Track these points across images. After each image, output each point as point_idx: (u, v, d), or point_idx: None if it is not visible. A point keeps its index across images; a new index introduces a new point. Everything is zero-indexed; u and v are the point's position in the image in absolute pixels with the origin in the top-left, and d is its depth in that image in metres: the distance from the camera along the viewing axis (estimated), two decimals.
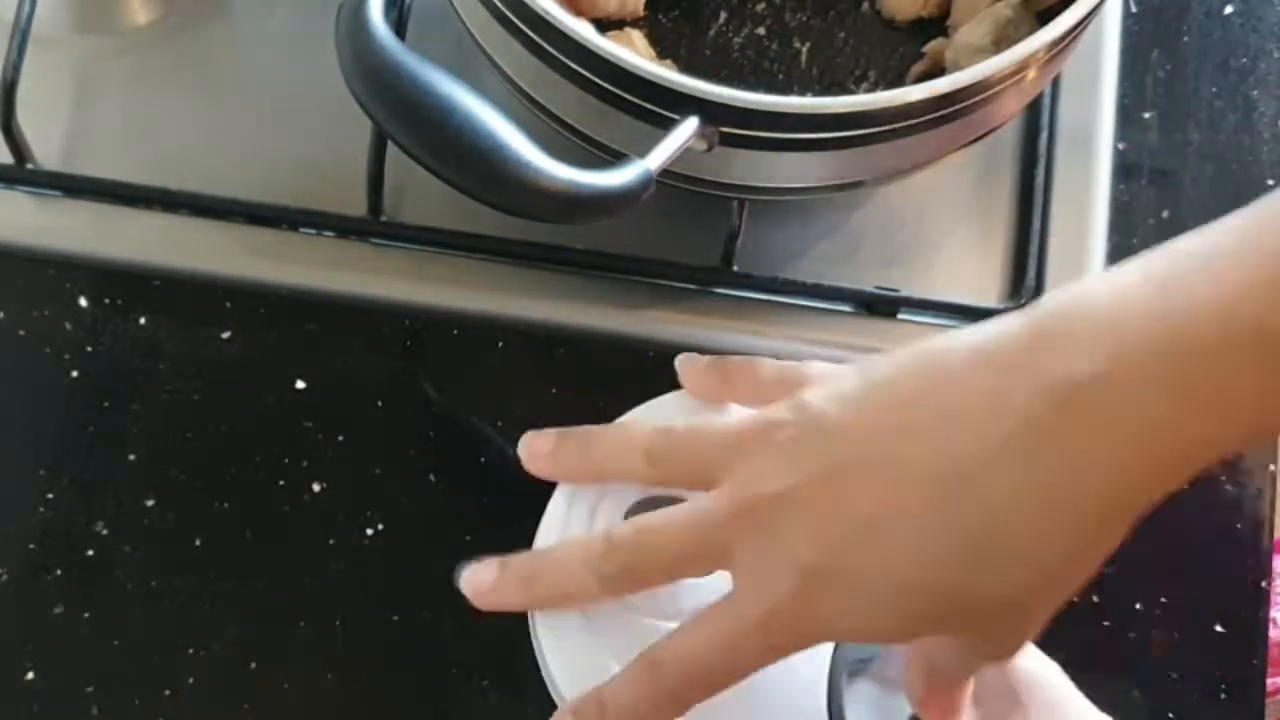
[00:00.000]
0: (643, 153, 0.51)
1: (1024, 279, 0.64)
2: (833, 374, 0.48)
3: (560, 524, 0.53)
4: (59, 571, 0.59)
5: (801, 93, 0.62)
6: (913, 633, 0.47)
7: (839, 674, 0.51)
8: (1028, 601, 0.45)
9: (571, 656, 0.52)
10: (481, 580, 0.51)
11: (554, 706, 0.53)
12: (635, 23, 0.63)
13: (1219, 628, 0.60)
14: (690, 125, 0.52)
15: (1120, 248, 0.66)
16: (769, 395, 0.48)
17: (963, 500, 0.43)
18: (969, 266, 0.66)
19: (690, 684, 0.47)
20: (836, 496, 0.44)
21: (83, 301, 0.63)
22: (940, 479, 0.43)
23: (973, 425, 0.43)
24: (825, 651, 0.51)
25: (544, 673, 0.52)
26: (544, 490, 0.54)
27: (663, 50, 0.63)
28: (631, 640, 0.50)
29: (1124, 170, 0.67)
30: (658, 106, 0.53)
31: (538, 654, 0.53)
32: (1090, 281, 0.43)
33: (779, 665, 0.48)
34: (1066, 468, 0.42)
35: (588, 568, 0.49)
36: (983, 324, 0.44)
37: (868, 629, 0.46)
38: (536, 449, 0.52)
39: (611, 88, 0.54)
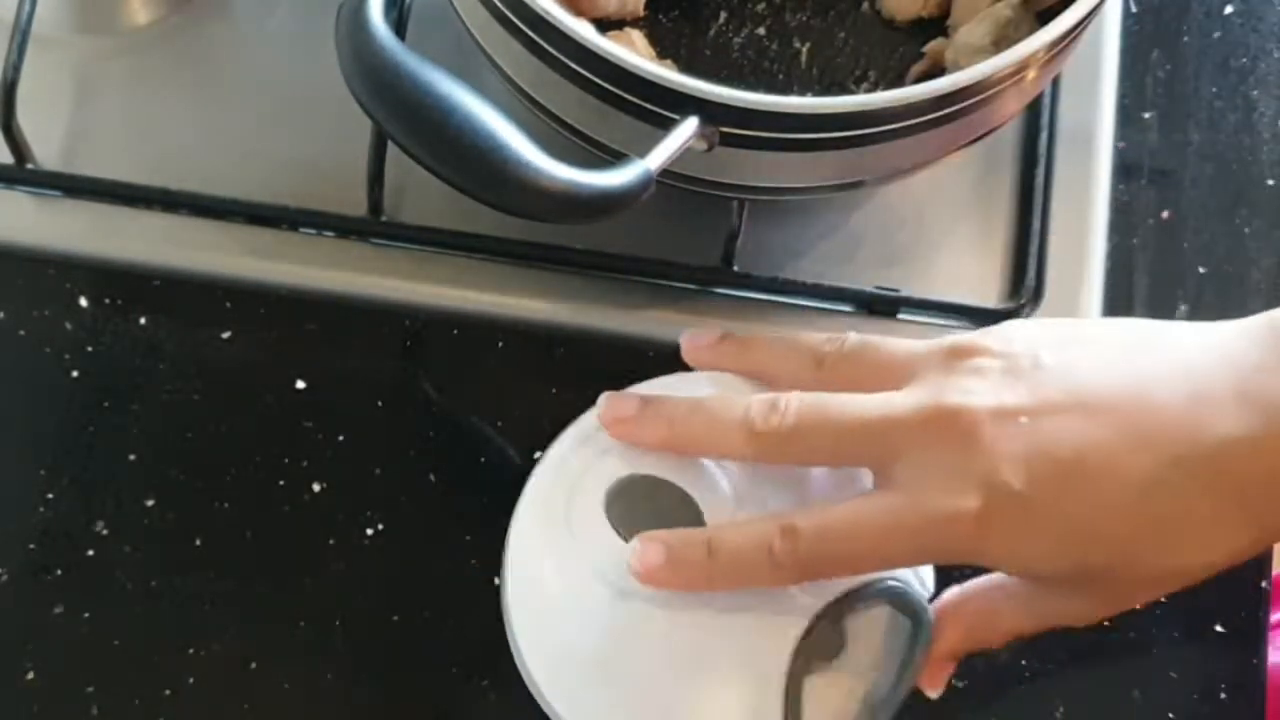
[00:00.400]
0: (643, 153, 0.51)
1: (1024, 279, 0.64)
2: (1007, 327, 0.50)
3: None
4: (59, 571, 0.59)
5: (801, 93, 0.62)
6: (1065, 579, 0.48)
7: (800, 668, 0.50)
8: (1170, 587, 0.48)
9: (540, 626, 0.52)
10: (622, 409, 0.51)
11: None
12: (635, 23, 0.63)
13: (1219, 628, 0.60)
14: (690, 125, 0.52)
15: (1120, 248, 0.66)
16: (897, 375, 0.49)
17: (1184, 481, 0.45)
18: (969, 266, 0.66)
19: (815, 560, 0.48)
20: (1055, 433, 0.46)
21: (83, 301, 0.63)
22: (1174, 459, 0.45)
23: (1220, 415, 0.45)
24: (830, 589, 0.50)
25: (512, 646, 0.52)
26: None
27: (663, 50, 0.63)
28: (601, 616, 0.50)
29: (1124, 170, 0.67)
30: (658, 106, 0.53)
31: (507, 627, 0.53)
32: None
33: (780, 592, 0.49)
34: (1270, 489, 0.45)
35: (743, 425, 0.49)
36: (1202, 324, 0.48)
37: (1032, 564, 0.47)
38: (698, 342, 0.53)
39: (611, 88, 0.54)
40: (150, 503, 0.60)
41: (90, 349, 0.63)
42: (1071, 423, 0.46)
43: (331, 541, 0.60)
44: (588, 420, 0.53)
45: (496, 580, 0.57)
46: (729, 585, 0.49)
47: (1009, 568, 0.49)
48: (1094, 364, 0.48)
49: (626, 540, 0.50)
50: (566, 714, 0.51)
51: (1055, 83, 0.67)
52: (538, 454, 0.54)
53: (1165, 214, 0.67)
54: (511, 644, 0.52)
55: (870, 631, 0.51)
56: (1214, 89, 0.69)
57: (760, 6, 0.64)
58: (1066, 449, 0.46)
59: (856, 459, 0.49)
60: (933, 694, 0.51)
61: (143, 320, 0.63)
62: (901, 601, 0.50)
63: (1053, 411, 0.46)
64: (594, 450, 0.52)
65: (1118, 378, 0.47)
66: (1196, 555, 0.46)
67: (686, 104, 0.52)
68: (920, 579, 0.52)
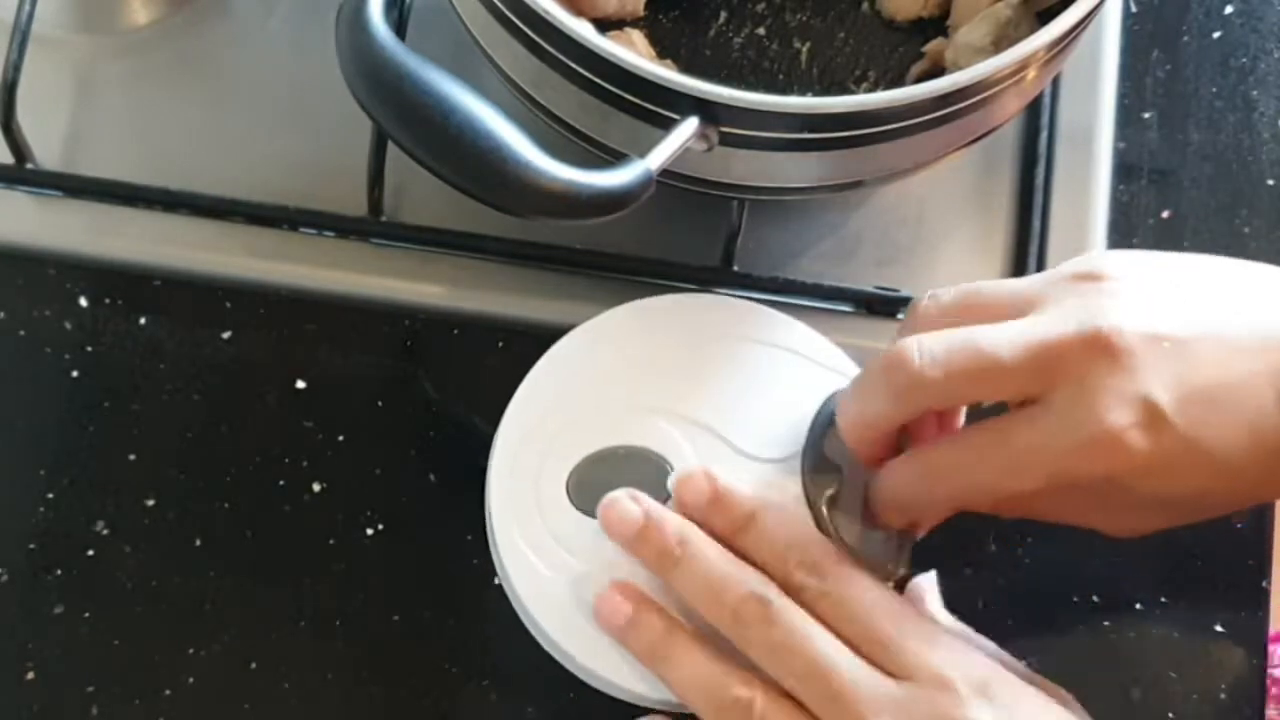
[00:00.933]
0: (643, 153, 0.51)
1: None
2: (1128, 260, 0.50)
3: (510, 461, 0.55)
4: (59, 571, 0.60)
5: (801, 93, 0.62)
6: (1166, 504, 0.49)
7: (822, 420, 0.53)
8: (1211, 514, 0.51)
9: (535, 567, 0.54)
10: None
11: (552, 708, 0.53)
12: (635, 23, 0.63)
13: (1219, 628, 0.60)
14: (690, 125, 0.52)
15: (1120, 248, 0.66)
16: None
17: None
18: (969, 266, 0.66)
19: (950, 472, 0.49)
20: (1195, 359, 0.47)
21: (83, 301, 0.63)
22: None
23: None
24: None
25: (506, 586, 0.54)
26: None
27: (663, 50, 0.63)
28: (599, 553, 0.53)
29: (1124, 170, 0.67)
30: (658, 106, 0.53)
31: (498, 565, 0.55)
32: None
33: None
34: None
35: (903, 369, 0.49)
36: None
37: (1164, 487, 0.47)
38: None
39: (611, 88, 0.54)
40: (150, 503, 0.60)
41: (90, 349, 0.63)
42: (1216, 352, 0.47)
43: (331, 541, 0.60)
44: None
45: (497, 580, 0.57)
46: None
47: (1142, 488, 0.48)
48: (1208, 294, 0.49)
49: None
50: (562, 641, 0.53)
51: (1055, 82, 0.67)
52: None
53: (1165, 214, 0.67)
54: (504, 581, 0.54)
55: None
56: (1214, 89, 0.69)
57: (760, 6, 0.64)
58: (1208, 376, 0.46)
59: (1016, 388, 0.48)
60: (920, 532, 0.52)
61: (143, 320, 0.63)
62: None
63: (1199, 341, 0.47)
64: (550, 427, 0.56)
65: (1232, 312, 0.48)
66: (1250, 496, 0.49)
67: (686, 104, 0.52)
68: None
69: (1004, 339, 0.48)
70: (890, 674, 0.49)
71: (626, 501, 0.53)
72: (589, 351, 0.56)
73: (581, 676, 0.53)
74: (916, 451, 0.51)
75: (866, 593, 0.51)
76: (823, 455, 0.54)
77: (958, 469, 0.49)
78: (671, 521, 0.52)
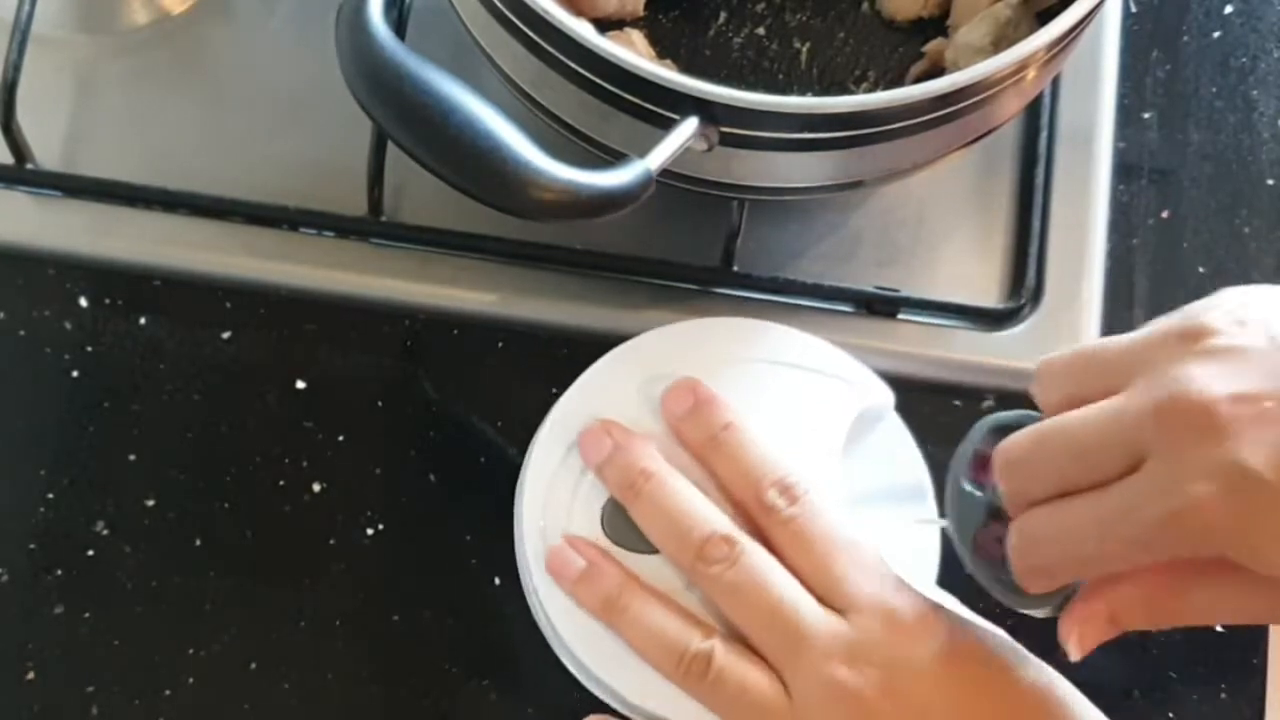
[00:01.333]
0: (643, 153, 0.51)
1: (1024, 279, 0.64)
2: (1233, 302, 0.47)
3: (549, 475, 0.55)
4: (59, 571, 0.59)
5: (801, 93, 0.62)
6: None
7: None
8: None
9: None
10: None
11: (552, 708, 0.53)
12: (635, 23, 0.63)
13: (1219, 628, 0.60)
14: (690, 125, 0.52)
15: (1120, 248, 0.66)
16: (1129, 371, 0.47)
17: None
18: (969, 266, 0.66)
19: (1042, 547, 0.47)
20: None
21: (83, 302, 0.63)
22: None
23: None
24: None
25: (538, 614, 0.55)
26: None
27: (663, 50, 0.63)
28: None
29: (1124, 170, 0.67)
30: (658, 106, 0.53)
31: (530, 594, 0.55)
32: None
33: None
34: None
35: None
36: None
37: (1272, 554, 0.44)
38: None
39: (611, 88, 0.54)
40: (150, 503, 0.60)
41: (90, 349, 0.63)
42: None
43: (331, 541, 0.60)
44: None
45: (497, 580, 0.57)
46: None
47: (1249, 558, 0.45)
48: None
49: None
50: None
51: (1055, 83, 0.67)
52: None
53: (1165, 214, 0.67)
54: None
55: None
56: (1214, 89, 0.69)
57: (760, 6, 0.64)
58: None
59: (1110, 468, 0.46)
60: (1076, 656, 0.49)
61: (142, 320, 0.63)
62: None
63: None
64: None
65: None
66: None
67: (686, 104, 0.52)
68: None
69: (1079, 427, 0.46)
70: (840, 610, 0.51)
71: (599, 430, 0.55)
72: (621, 378, 0.56)
73: (615, 705, 0.53)
74: (1021, 517, 0.49)
75: (831, 528, 0.52)
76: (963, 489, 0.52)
77: (1055, 534, 0.47)
78: (640, 451, 0.54)
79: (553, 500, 0.55)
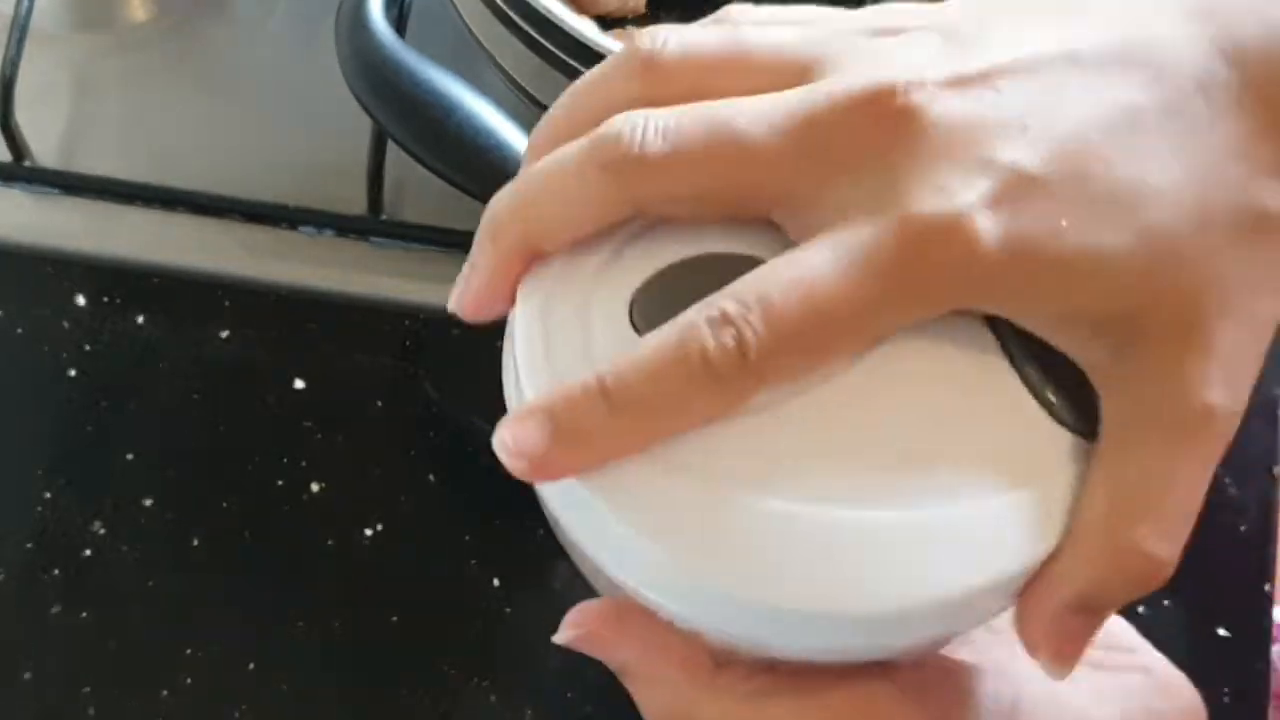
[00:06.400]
0: None
1: None
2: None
3: (542, 341, 0.41)
4: (57, 571, 0.59)
5: None
6: (1136, 262, 0.34)
7: None
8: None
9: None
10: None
11: (552, 708, 0.53)
12: (637, 20, 0.63)
13: (1222, 631, 0.60)
14: None
15: None
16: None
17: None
18: None
19: (772, 353, 0.33)
20: (1047, 99, 0.34)
21: (80, 300, 0.63)
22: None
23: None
24: None
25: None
26: None
27: None
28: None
29: None
30: None
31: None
32: None
33: None
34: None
35: (600, 158, 0.36)
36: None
37: (1084, 243, 0.33)
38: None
39: None
40: (148, 503, 0.60)
41: (88, 348, 0.62)
42: (1076, 80, 0.34)
43: (331, 541, 0.60)
44: None
45: (497, 580, 0.57)
46: (656, 436, 0.35)
47: (1027, 291, 0.34)
48: (1054, 19, 0.35)
49: None
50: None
51: None
52: None
53: None
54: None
55: None
56: None
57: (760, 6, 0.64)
58: (1073, 114, 0.34)
59: (779, 182, 0.34)
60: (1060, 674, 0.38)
61: (141, 319, 0.63)
62: None
63: (1038, 70, 0.34)
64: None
65: (1089, 29, 0.35)
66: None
67: None
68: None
69: (762, 111, 0.34)
70: None
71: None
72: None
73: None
74: None
75: None
76: None
77: (803, 311, 0.34)
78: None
79: (559, 341, 0.41)
